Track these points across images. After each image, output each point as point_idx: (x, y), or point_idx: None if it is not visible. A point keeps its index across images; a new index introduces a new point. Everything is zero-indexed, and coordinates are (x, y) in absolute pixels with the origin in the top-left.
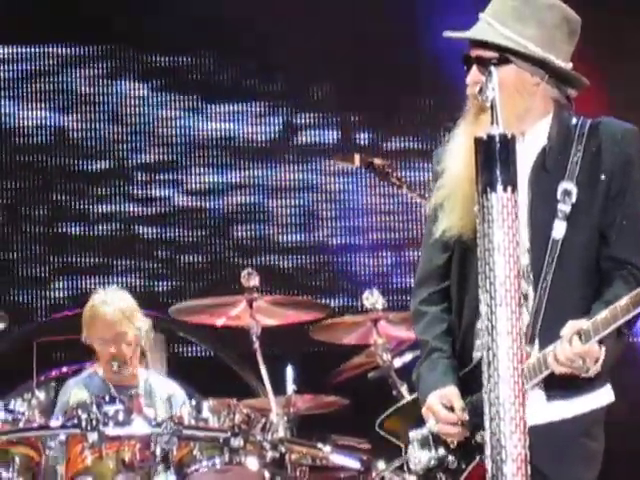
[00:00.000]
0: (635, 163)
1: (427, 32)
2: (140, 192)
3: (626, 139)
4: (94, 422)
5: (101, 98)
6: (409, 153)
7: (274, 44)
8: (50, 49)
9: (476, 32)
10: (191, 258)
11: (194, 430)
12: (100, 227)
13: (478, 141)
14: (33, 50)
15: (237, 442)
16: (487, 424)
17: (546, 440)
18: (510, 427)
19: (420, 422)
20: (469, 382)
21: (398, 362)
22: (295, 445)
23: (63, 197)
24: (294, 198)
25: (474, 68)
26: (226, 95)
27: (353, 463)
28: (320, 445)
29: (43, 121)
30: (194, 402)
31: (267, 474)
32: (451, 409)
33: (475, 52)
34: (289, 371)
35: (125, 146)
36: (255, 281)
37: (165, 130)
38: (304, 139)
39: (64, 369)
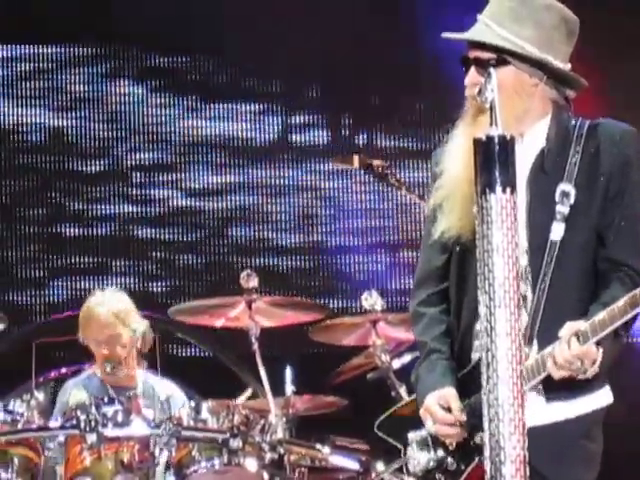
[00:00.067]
0: (634, 164)
1: (426, 32)
2: (137, 193)
3: (625, 140)
4: (93, 423)
5: (98, 98)
6: (407, 153)
7: (273, 44)
8: (47, 49)
9: (474, 33)
10: (188, 259)
11: (193, 431)
12: (97, 228)
13: (477, 142)
14: (30, 50)
15: (236, 443)
16: (486, 425)
17: (545, 441)
18: (509, 428)
19: (419, 423)
20: (467, 383)
21: (397, 363)
22: (294, 446)
23: (60, 198)
24: (291, 199)
25: (472, 69)
26: (224, 96)
27: (352, 464)
28: (319, 446)
29: (40, 121)
30: (193, 403)
31: (266, 475)
32: (449, 410)
33: (473, 53)
34: (288, 372)
35: (122, 146)
36: (254, 282)
37: (162, 130)
38: (302, 140)
39: (63, 370)
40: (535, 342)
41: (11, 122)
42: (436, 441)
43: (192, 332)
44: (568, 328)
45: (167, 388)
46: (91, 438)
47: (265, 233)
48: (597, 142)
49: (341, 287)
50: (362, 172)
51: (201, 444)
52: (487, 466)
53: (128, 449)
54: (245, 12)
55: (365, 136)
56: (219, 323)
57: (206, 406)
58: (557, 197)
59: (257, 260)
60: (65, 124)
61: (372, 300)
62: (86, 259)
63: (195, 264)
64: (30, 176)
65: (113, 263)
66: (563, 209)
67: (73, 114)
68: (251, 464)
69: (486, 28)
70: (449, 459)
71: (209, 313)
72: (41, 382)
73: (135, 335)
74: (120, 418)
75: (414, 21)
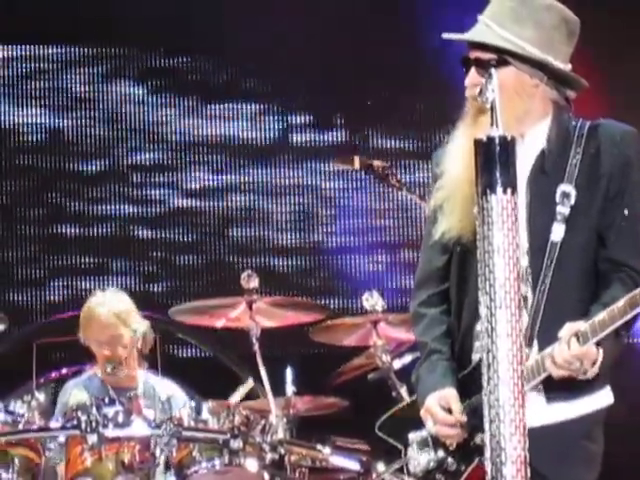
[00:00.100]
0: (634, 165)
1: (426, 32)
2: (137, 193)
3: (625, 141)
4: (94, 424)
5: (98, 98)
6: (407, 154)
7: (272, 44)
8: (47, 49)
9: (474, 34)
10: (188, 259)
11: (194, 431)
12: (97, 228)
13: (478, 143)
14: (30, 50)
15: (237, 444)
16: (487, 426)
17: (546, 442)
18: (510, 429)
19: (419, 424)
20: (468, 384)
21: (398, 364)
22: (295, 446)
23: (60, 198)
24: (291, 199)
25: (473, 70)
26: (223, 96)
27: (353, 464)
28: (320, 446)
29: (40, 121)
30: (194, 403)
31: (267, 475)
32: (449, 411)
33: (474, 54)
34: (289, 372)
35: (122, 147)
36: (255, 283)
37: (162, 131)
38: (302, 140)
39: (64, 370)
40: (535, 343)
41: (11, 122)
42: (436, 442)
43: (193, 332)
44: (568, 329)
45: (168, 388)
46: (92, 439)
47: (265, 233)
48: (597, 143)
49: (341, 287)
50: (363, 173)
51: (202, 444)
52: (488, 467)
53: (129, 450)
54: (245, 12)
55: (364, 137)
56: (220, 323)
57: (207, 406)
58: (557, 198)
59: (256, 260)
60: (65, 124)
61: (373, 300)
62: (86, 259)
63: (195, 264)
64: (30, 176)
65: (113, 263)
66: (564, 210)
67: (73, 114)
68: (252, 464)
69: (487, 29)
70: (449, 460)
71: (210, 313)
72: (42, 383)
73: (136, 335)
74: (121, 419)
75: (414, 21)
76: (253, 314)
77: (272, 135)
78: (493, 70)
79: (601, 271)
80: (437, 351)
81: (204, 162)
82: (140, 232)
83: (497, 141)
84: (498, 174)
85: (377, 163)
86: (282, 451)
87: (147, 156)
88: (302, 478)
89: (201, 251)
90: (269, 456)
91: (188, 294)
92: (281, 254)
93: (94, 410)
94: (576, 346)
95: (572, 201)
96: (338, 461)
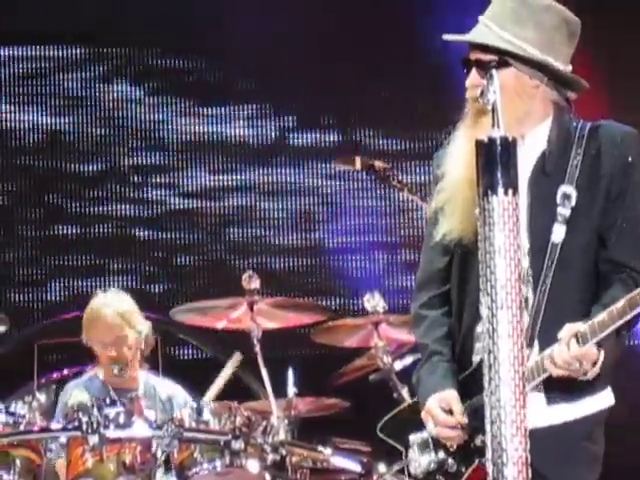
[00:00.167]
0: (635, 166)
1: (427, 33)
2: (135, 194)
3: (626, 142)
4: (95, 425)
5: (95, 100)
6: (406, 155)
7: (270, 45)
8: (46, 50)
9: (475, 35)
10: (186, 260)
11: (195, 433)
12: (96, 229)
13: (479, 144)
14: (29, 51)
15: (238, 445)
16: (488, 427)
17: (547, 443)
18: (511, 430)
19: (420, 425)
20: (469, 385)
21: (399, 365)
22: (296, 448)
23: (59, 199)
24: (290, 200)
25: (473, 71)
26: (221, 97)
27: (354, 466)
28: (321, 448)
29: (37, 123)
30: (196, 403)
31: (268, 476)
32: (450, 412)
33: (474, 55)
34: (290, 374)
35: (120, 148)
36: (256, 284)
37: (161, 132)
38: (300, 141)
39: (65, 371)
40: (536, 343)
41: (10, 123)
42: (437, 443)
43: (193, 333)
44: (567, 330)
45: (168, 388)
46: (93, 440)
47: (263, 234)
48: (598, 144)
49: (340, 288)
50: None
51: (203, 445)
52: (489, 468)
53: (130, 450)
54: (243, 13)
55: (364, 137)
56: (221, 324)
57: (208, 407)
58: (558, 199)
59: (255, 260)
60: (64, 125)
61: (374, 302)
62: (85, 260)
63: (194, 265)
64: (29, 177)
65: (112, 264)
66: (564, 211)
67: (72, 115)
68: (253, 465)
69: (487, 30)
70: (450, 461)
71: (211, 314)
72: (43, 384)
73: (140, 336)
74: (122, 419)
75: (414, 22)
76: (254, 315)
77: (271, 135)
78: (494, 71)
79: (602, 272)
80: (438, 353)
81: (203, 163)
82: (139, 233)
83: (498, 142)
84: (499, 175)
85: (378, 164)
86: (283, 452)
87: (146, 157)
88: (303, 479)
89: (200, 252)
90: (270, 457)
91: (187, 294)
92: (280, 254)
93: (95, 411)
94: (575, 347)
95: (573, 202)
96: (339, 462)
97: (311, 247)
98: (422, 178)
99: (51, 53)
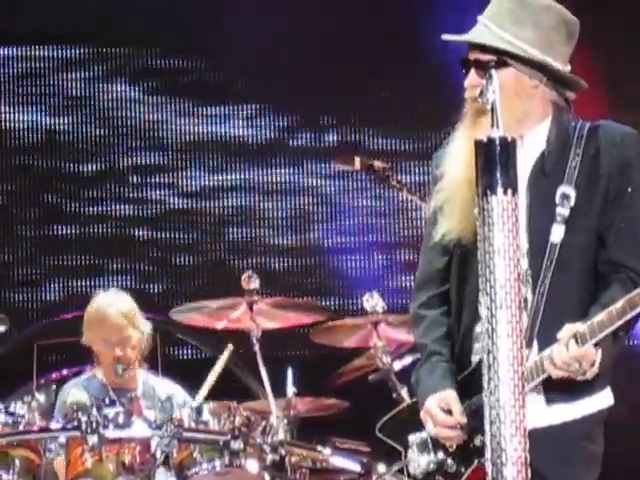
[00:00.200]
0: (634, 166)
1: (425, 33)
2: (133, 194)
3: (625, 142)
4: (94, 425)
5: (93, 100)
6: (404, 155)
7: (269, 45)
8: (44, 50)
9: (474, 35)
10: (185, 260)
11: (194, 433)
12: (94, 228)
13: (478, 144)
14: (27, 51)
15: (237, 445)
16: (487, 427)
17: (547, 443)
18: (510, 430)
19: (420, 426)
20: (468, 385)
21: (398, 365)
22: (295, 448)
23: (57, 198)
24: (287, 200)
25: (472, 71)
26: (219, 97)
27: (353, 466)
28: (320, 448)
29: (35, 123)
30: (194, 404)
31: (267, 476)
32: (449, 412)
33: (473, 55)
34: (289, 374)
35: (118, 148)
36: (255, 284)
37: (159, 132)
38: (299, 141)
39: (64, 371)
40: (535, 344)
41: (8, 123)
42: (436, 443)
43: (193, 333)
44: (566, 330)
45: (168, 388)
46: (92, 440)
47: (260, 234)
48: (597, 144)
49: (338, 287)
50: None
51: (202, 445)
52: (489, 468)
53: (129, 451)
54: (242, 12)
55: (363, 137)
56: (220, 325)
57: (207, 407)
58: (557, 199)
59: (254, 260)
60: (61, 125)
61: (373, 301)
62: (82, 260)
63: (193, 264)
64: (27, 177)
65: (110, 264)
66: (563, 211)
67: (69, 116)
68: (252, 465)
69: (486, 30)
70: (449, 461)
71: (210, 314)
72: (42, 384)
73: (143, 336)
74: (121, 420)
75: (414, 22)
76: (254, 315)
77: (270, 135)
78: (493, 71)
79: (601, 272)
80: (437, 353)
81: (202, 162)
82: (138, 232)
83: (498, 142)
84: (498, 175)
85: (378, 164)
86: (283, 452)
87: (145, 157)
88: (303, 479)
89: (199, 251)
90: (270, 457)
91: (186, 294)
92: (279, 254)
93: (94, 411)
94: (575, 347)
95: (572, 202)
96: (339, 462)
97: (309, 247)
98: (421, 178)
99: (50, 53)
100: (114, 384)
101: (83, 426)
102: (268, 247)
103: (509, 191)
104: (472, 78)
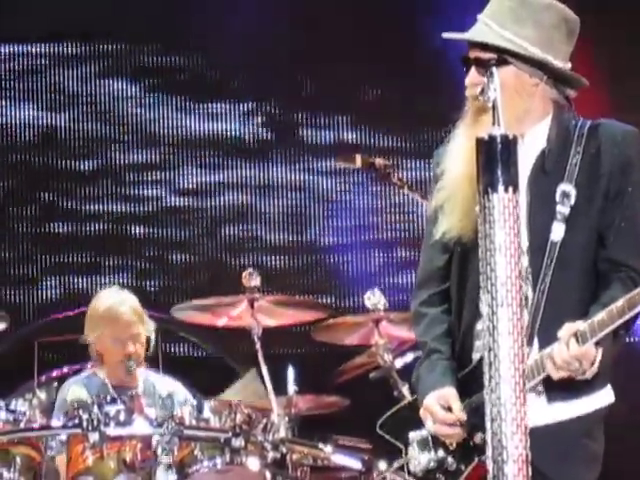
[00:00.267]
0: (635, 165)
1: (426, 31)
2: (130, 191)
3: (626, 141)
4: (95, 422)
5: (91, 97)
6: (402, 153)
7: (266, 42)
8: (38, 47)
9: (475, 34)
10: (181, 257)
11: (195, 430)
12: (90, 226)
13: (480, 141)
14: (21, 48)
15: (238, 442)
16: (488, 425)
17: (547, 441)
18: (511, 428)
19: (421, 423)
20: (468, 383)
21: (399, 362)
22: (296, 445)
23: (53, 196)
24: (284, 198)
25: (473, 69)
26: (216, 94)
27: (354, 463)
28: (321, 445)
29: (32, 120)
30: (195, 401)
31: (268, 474)
32: (449, 410)
33: (474, 53)
34: (290, 371)
35: (115, 146)
36: (256, 281)
37: (155, 129)
38: (295, 138)
39: (65, 369)
40: (536, 341)
41: (3, 120)
42: (436, 441)
43: (194, 331)
44: (567, 329)
45: (168, 385)
46: (93, 437)
47: (256, 232)
48: (598, 142)
49: (335, 285)
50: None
51: (203, 443)
52: (489, 465)
53: (130, 448)
54: (240, 9)
55: (359, 135)
56: (221, 322)
57: (208, 405)
58: (558, 197)
59: (250, 258)
60: (58, 122)
61: (375, 299)
62: (78, 258)
63: (188, 262)
64: (23, 174)
65: (106, 261)
66: (564, 209)
67: (65, 112)
68: (253, 463)
69: (487, 28)
70: (449, 459)
71: (211, 312)
72: (43, 381)
73: (149, 333)
74: (122, 417)
75: (414, 20)
76: (255, 313)
77: (267, 133)
78: (495, 69)
79: (601, 271)
80: (437, 351)
81: (197, 161)
82: (133, 230)
83: (499, 140)
84: (500, 173)
85: (379, 161)
86: (284, 450)
87: (140, 154)
88: (304, 477)
89: (195, 249)
90: (271, 455)
91: (182, 292)
92: (275, 252)
93: (96, 409)
94: (575, 346)
95: (572, 201)
96: (340, 460)
97: (306, 245)
98: (418, 175)
99: (46, 50)
100: (116, 382)
101: (84, 424)
102: (264, 245)
103: (510, 189)
104: (473, 76)
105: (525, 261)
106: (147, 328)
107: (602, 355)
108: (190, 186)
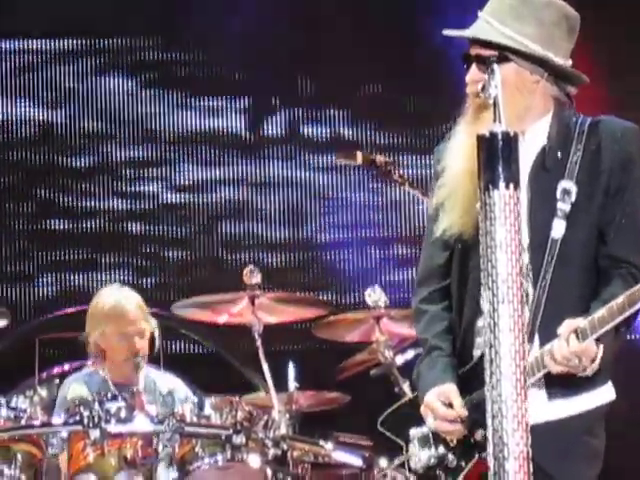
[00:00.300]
0: (635, 161)
1: (426, 29)
2: (127, 188)
3: (626, 137)
4: (96, 419)
5: (87, 93)
6: (400, 150)
7: (264, 38)
8: (37, 43)
9: (476, 31)
10: (178, 254)
11: (196, 427)
12: (87, 223)
13: (481, 138)
14: (18, 44)
15: (239, 439)
16: (489, 421)
17: (548, 438)
18: (512, 425)
19: (421, 420)
20: (469, 380)
21: (400, 359)
22: (297, 442)
23: (50, 193)
24: (282, 194)
25: (473, 66)
26: (213, 90)
27: (355, 460)
28: (322, 442)
29: (29, 116)
30: (196, 399)
31: (269, 471)
32: (450, 406)
33: (474, 51)
34: (291, 368)
35: (112, 142)
36: (257, 278)
37: (152, 126)
38: (294, 135)
39: (66, 366)
40: (536, 338)
41: (0, 116)
42: (437, 438)
43: (195, 328)
44: (567, 325)
45: (169, 382)
46: (94, 434)
47: (254, 228)
48: (598, 139)
49: (333, 282)
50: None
51: (204, 440)
52: (490, 462)
53: (131, 445)
54: (236, 6)
55: (358, 131)
56: (222, 319)
57: (209, 402)
58: (558, 194)
59: (245, 255)
60: (55, 118)
61: (376, 296)
62: (75, 254)
63: (185, 259)
64: (20, 171)
65: (103, 258)
66: (564, 206)
67: (62, 109)
68: (254, 460)
69: (488, 26)
70: (450, 456)
71: (212, 309)
72: (44, 378)
73: (152, 330)
74: (123, 414)
75: (414, 17)
76: (255, 310)
77: (262, 130)
78: (495, 66)
79: (601, 267)
80: (437, 348)
81: (194, 157)
82: (131, 227)
83: (500, 136)
84: (501, 169)
85: (380, 158)
86: (285, 447)
87: (138, 150)
88: (305, 474)
89: (192, 246)
90: (272, 452)
91: (179, 289)
92: (273, 249)
93: (96, 405)
94: (575, 343)
95: (573, 198)
96: (340, 457)
97: (304, 241)
98: (421, 172)
99: (44, 46)
100: (118, 379)
101: (85, 421)
102: (262, 241)
103: (511, 185)
104: (473, 73)
105: (526, 258)
106: (150, 324)
107: (603, 352)
108: (188, 182)
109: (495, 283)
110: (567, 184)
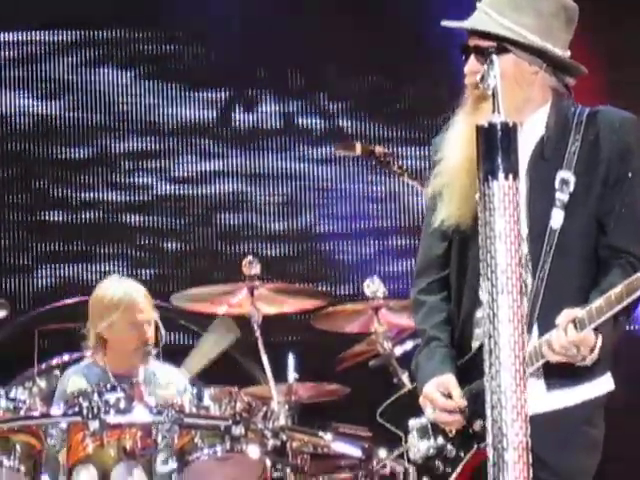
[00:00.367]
0: (634, 151)
1: (424, 20)
2: (124, 180)
3: (624, 127)
4: (95, 410)
5: (85, 85)
6: (399, 141)
7: (261, 31)
8: (32, 35)
9: (475, 22)
10: (176, 246)
11: (195, 418)
12: (84, 215)
13: (480, 129)
14: (14, 36)
15: (238, 430)
16: (488, 412)
17: (547, 429)
18: (511, 415)
19: (420, 411)
20: (468, 371)
21: (399, 350)
22: (296, 433)
23: (46, 185)
24: (279, 186)
25: (472, 57)
26: (210, 83)
27: (354, 451)
28: (321, 433)
29: (26, 108)
30: (196, 388)
31: (268, 462)
32: (448, 397)
33: (473, 42)
34: (290, 359)
35: (110, 134)
36: (256, 269)
37: (150, 117)
38: (291, 127)
39: (65, 357)
40: (535, 329)
41: None
42: (436, 429)
43: (194, 319)
44: (565, 315)
45: (168, 373)
46: (93, 425)
47: (251, 220)
48: (597, 129)
49: (331, 273)
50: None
51: (203, 431)
52: (490, 453)
53: (130, 436)
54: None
55: (355, 122)
56: (221, 310)
57: (208, 393)
58: (557, 184)
59: (243, 246)
60: (52, 110)
61: (374, 287)
62: (72, 246)
63: (183, 251)
64: (17, 163)
65: (100, 250)
66: (563, 196)
67: (59, 101)
68: (253, 451)
69: (486, 17)
70: (449, 446)
71: (211, 300)
72: (43, 369)
73: (156, 320)
74: (122, 405)
75: (413, 9)
76: (254, 300)
77: (262, 121)
78: (494, 57)
79: (601, 258)
80: (436, 338)
81: (191, 149)
82: (129, 218)
83: (499, 127)
84: (500, 160)
85: (379, 149)
86: (284, 438)
87: (136, 142)
88: (304, 464)
89: (189, 238)
90: (271, 442)
91: (177, 281)
92: (271, 240)
93: (95, 396)
94: (573, 332)
95: (571, 188)
96: (340, 447)
97: (301, 233)
98: (419, 163)
99: (41, 38)
100: (120, 370)
101: (84, 411)
102: (260, 233)
103: (510, 176)
104: (472, 64)
105: (525, 248)
106: (155, 315)
107: (602, 341)
108: (185, 174)
109: (494, 274)
110: (565, 174)
